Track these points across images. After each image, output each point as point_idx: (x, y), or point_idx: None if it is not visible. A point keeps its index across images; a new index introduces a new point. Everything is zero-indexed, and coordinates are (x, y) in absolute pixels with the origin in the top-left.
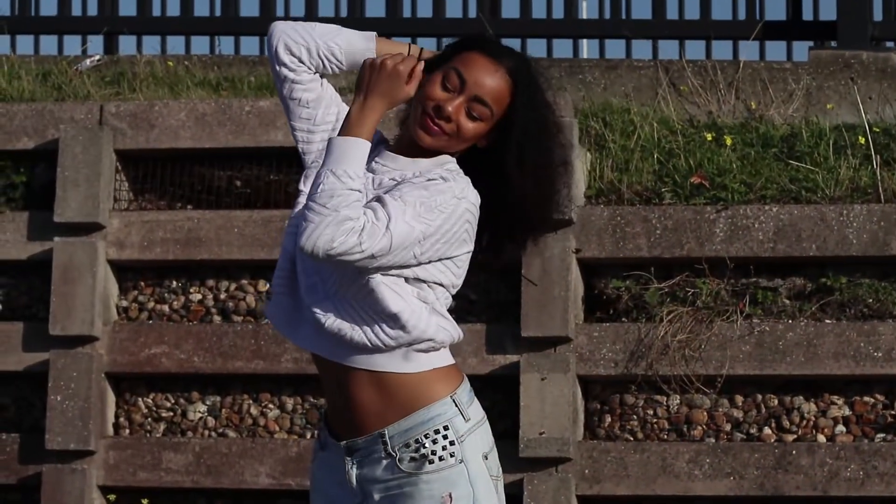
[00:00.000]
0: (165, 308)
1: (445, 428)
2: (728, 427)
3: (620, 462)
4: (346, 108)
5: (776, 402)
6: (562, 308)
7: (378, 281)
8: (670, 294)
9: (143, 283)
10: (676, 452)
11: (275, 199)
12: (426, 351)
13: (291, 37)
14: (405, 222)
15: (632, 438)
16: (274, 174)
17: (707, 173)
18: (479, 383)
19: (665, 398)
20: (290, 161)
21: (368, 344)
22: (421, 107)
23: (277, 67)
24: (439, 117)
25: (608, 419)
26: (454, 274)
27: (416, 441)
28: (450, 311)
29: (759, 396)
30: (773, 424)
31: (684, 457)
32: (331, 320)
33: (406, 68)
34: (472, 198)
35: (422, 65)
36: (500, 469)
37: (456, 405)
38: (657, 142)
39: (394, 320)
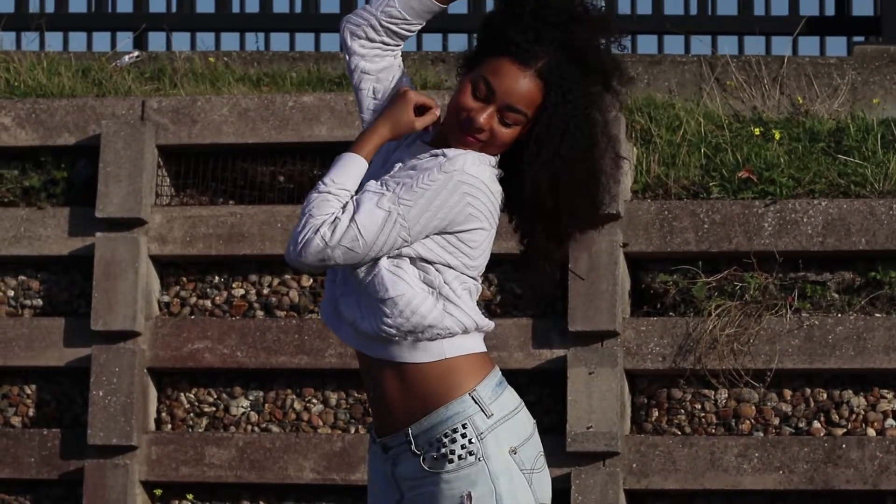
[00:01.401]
0: (207, 303)
1: (464, 426)
2: (776, 421)
3: (668, 456)
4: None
5: (825, 396)
6: (609, 302)
7: (381, 265)
8: (718, 288)
9: (185, 279)
10: (725, 446)
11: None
12: (432, 339)
13: (353, 21)
14: (377, 208)
15: (679, 433)
16: (317, 169)
17: (755, 168)
18: (525, 378)
19: (713, 392)
20: (333, 156)
21: (374, 332)
22: (454, 115)
23: (348, 57)
24: (471, 129)
25: (655, 413)
26: (464, 254)
27: (438, 440)
28: (495, 304)
29: (808, 391)
30: (822, 418)
31: (733, 451)
32: (349, 310)
33: (420, 101)
34: (474, 171)
35: (438, 111)
36: (540, 460)
37: (476, 402)
38: (704, 136)
39: (390, 306)
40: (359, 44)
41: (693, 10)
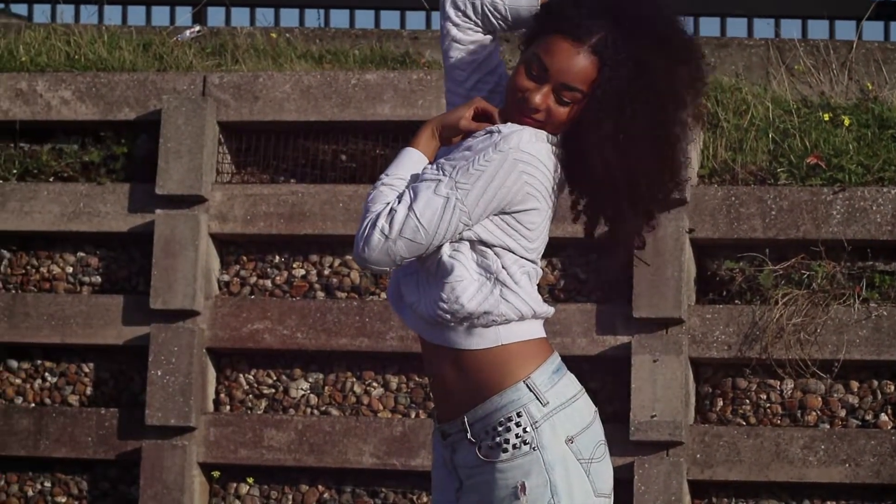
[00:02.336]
0: (268, 283)
1: (518, 415)
2: (843, 413)
3: (733, 447)
4: (504, 84)
5: (893, 388)
6: (674, 289)
7: (441, 250)
8: (785, 276)
9: (245, 258)
10: (790, 438)
11: (381, 173)
12: (487, 326)
13: None
14: (435, 195)
15: (744, 423)
16: (380, 148)
17: (823, 154)
18: (588, 364)
19: (779, 383)
20: (396, 135)
21: (431, 316)
22: (511, 96)
23: (443, 22)
24: (527, 110)
25: (720, 403)
26: (523, 236)
27: (493, 429)
28: (558, 289)
29: (876, 382)
30: (890, 411)
31: (798, 442)
32: (409, 293)
33: (484, 108)
34: (530, 148)
35: (497, 117)
36: (600, 449)
37: (530, 389)
38: (771, 121)
39: (447, 291)
40: (455, 13)
41: None
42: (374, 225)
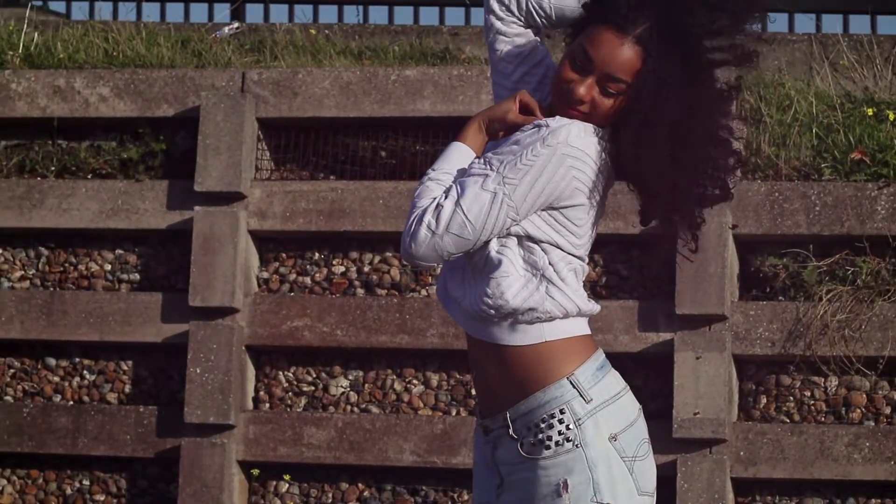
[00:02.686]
0: (307, 280)
1: (562, 412)
2: (888, 410)
3: (777, 444)
4: (552, 75)
5: None
6: (717, 285)
7: (489, 245)
8: (829, 272)
9: (284, 255)
10: (835, 436)
11: (421, 169)
12: (531, 322)
13: None
14: (482, 190)
15: (788, 420)
16: (420, 144)
17: (867, 149)
18: (630, 361)
19: (823, 379)
20: (436, 131)
21: (475, 311)
22: (556, 88)
23: (486, 15)
24: (571, 102)
25: (763, 400)
26: (571, 232)
27: (535, 426)
28: (600, 285)
29: None
30: None
31: (843, 440)
32: (454, 287)
33: (527, 101)
34: (578, 143)
35: (539, 112)
36: (644, 447)
37: (574, 386)
38: (815, 116)
39: (493, 286)
40: (499, 7)
41: None
42: (420, 220)
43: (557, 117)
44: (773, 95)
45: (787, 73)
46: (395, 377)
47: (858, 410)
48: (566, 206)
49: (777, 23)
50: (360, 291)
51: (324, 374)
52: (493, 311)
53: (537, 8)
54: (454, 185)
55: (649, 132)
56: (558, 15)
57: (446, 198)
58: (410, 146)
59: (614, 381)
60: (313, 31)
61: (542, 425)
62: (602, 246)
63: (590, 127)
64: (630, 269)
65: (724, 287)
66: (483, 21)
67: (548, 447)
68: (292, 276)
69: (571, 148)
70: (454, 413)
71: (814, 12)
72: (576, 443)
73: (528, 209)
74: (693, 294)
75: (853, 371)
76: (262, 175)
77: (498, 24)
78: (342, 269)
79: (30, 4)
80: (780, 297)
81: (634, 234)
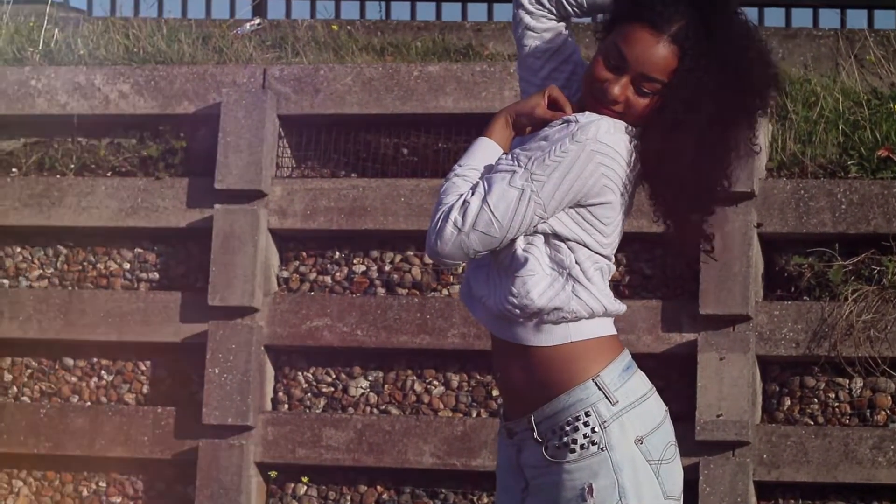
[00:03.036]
0: (328, 279)
1: (587, 414)
2: None
3: (801, 447)
4: (582, 73)
5: None
6: (742, 285)
7: (515, 243)
8: (855, 272)
9: (304, 254)
10: (859, 438)
11: (443, 167)
12: (557, 322)
13: None
14: (509, 187)
15: (812, 423)
16: (442, 142)
17: (894, 147)
18: (653, 362)
19: (848, 381)
20: (458, 128)
21: (499, 311)
22: (588, 86)
23: (515, 10)
24: (605, 101)
25: (787, 402)
26: (598, 230)
27: (560, 429)
28: (623, 285)
29: None
30: None
31: (867, 443)
32: (478, 286)
33: (556, 97)
34: (608, 139)
35: (569, 108)
36: (671, 450)
37: (599, 388)
38: (841, 113)
39: (518, 285)
40: (528, 0)
41: None
42: (446, 217)
43: (587, 112)
44: (798, 92)
45: (813, 69)
46: (415, 378)
47: (883, 412)
48: (594, 204)
49: (802, 18)
50: (381, 291)
51: (343, 375)
52: (518, 311)
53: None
54: (481, 182)
55: (679, 135)
56: (590, 2)
57: (473, 194)
58: (433, 143)
59: (641, 382)
60: (335, 28)
61: (567, 428)
62: (625, 244)
63: (620, 123)
64: (653, 268)
65: (749, 287)
66: (511, 17)
67: (573, 451)
68: (312, 276)
69: (601, 144)
70: (474, 414)
71: (839, 7)
72: (601, 446)
73: (555, 206)
74: (717, 294)
75: (878, 372)
76: (283, 173)
77: (528, 18)
78: (363, 268)
79: (50, 0)
80: (805, 297)
81: (658, 232)
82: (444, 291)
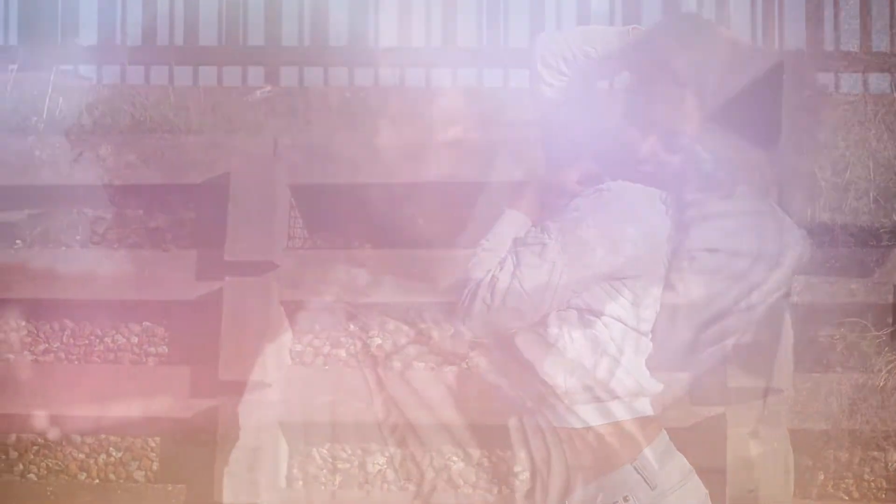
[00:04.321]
0: (342, 353)
1: (626, 499)
2: None
3: None
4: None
5: None
6: (771, 357)
7: (549, 319)
8: (888, 343)
9: (317, 326)
10: None
11: (464, 236)
12: (590, 402)
13: (548, 48)
14: (540, 261)
15: (847, 498)
16: (465, 209)
17: None
18: (680, 436)
19: (883, 455)
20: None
21: (530, 391)
22: (616, 147)
23: (535, 84)
24: (634, 162)
25: (821, 477)
26: (634, 304)
27: None
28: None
29: None
30: None
31: None
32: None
33: (588, 168)
34: (641, 211)
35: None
36: None
37: (638, 472)
38: (872, 179)
39: (548, 364)
40: (548, 72)
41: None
42: (474, 294)
43: (620, 181)
44: (827, 157)
45: (843, 136)
46: (433, 454)
47: None
48: (628, 277)
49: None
50: (397, 364)
51: (359, 450)
52: (548, 391)
53: (584, 59)
54: (509, 256)
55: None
56: (604, 55)
57: (501, 270)
58: (454, 212)
59: (680, 465)
60: (348, 95)
61: None
62: None
63: (653, 193)
64: None
65: (779, 358)
66: (529, 87)
67: None
68: (326, 349)
69: (641, 222)
70: (496, 491)
71: (858, 71)
72: None
73: (588, 280)
74: (745, 365)
75: None
76: (295, 244)
77: (549, 91)
78: (378, 341)
79: (55, 69)
80: (838, 369)
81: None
82: (464, 365)
